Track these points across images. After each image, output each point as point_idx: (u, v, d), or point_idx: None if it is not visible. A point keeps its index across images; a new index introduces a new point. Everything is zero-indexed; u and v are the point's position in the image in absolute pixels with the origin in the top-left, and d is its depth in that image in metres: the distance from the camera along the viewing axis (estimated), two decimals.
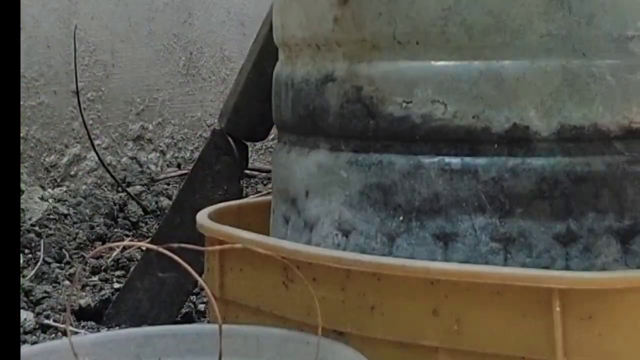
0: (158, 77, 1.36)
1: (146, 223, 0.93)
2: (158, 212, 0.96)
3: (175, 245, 0.40)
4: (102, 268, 0.76)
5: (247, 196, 1.03)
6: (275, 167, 0.59)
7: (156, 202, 0.99)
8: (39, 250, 0.78)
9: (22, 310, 0.66)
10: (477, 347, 0.45)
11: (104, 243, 0.85)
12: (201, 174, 0.76)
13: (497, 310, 0.45)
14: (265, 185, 1.12)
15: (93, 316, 0.68)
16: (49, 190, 1.07)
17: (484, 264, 0.48)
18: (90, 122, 1.19)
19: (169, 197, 0.98)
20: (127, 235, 0.88)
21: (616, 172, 0.48)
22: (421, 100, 0.50)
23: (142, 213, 0.95)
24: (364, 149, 0.51)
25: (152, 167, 1.21)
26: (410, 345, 0.47)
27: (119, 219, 0.93)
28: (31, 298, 0.69)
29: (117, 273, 0.80)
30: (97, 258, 0.76)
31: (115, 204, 0.96)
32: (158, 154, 1.24)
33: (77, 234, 0.84)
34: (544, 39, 0.48)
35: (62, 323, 0.64)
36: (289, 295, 0.51)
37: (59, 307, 0.66)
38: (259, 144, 1.30)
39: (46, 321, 0.65)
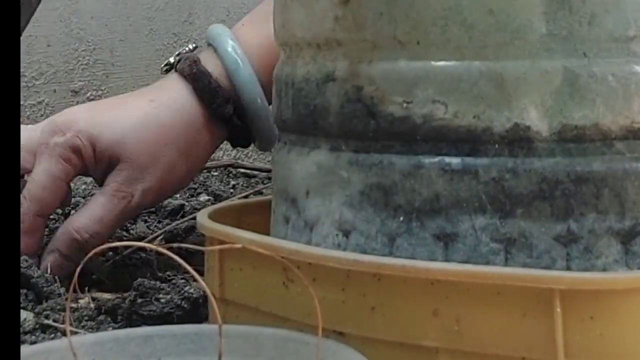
0: (158, 76, 1.36)
1: (146, 221, 0.93)
2: (158, 211, 0.96)
3: (175, 245, 0.40)
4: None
5: (247, 196, 1.03)
6: (275, 166, 0.59)
7: None
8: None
9: (21, 310, 0.66)
10: (477, 347, 0.45)
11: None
12: None
13: (497, 311, 0.44)
14: (265, 185, 1.12)
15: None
16: None
17: (485, 264, 0.48)
18: None
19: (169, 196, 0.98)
20: (127, 235, 0.88)
21: (617, 172, 0.48)
22: (422, 100, 0.50)
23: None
24: (364, 149, 0.51)
25: None
26: (411, 345, 0.47)
27: None
28: (31, 298, 0.69)
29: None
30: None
31: None
32: None
33: None
34: (544, 39, 0.48)
35: (62, 323, 0.64)
36: (289, 295, 0.51)
37: (58, 307, 0.66)
38: None
39: (46, 321, 0.64)
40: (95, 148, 0.74)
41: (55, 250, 0.72)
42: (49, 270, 0.71)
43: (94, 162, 0.74)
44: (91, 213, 0.73)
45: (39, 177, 0.72)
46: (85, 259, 0.42)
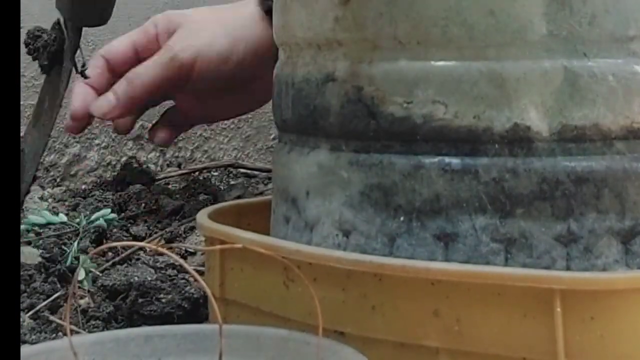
0: None
1: (145, 221, 0.93)
2: (158, 211, 0.96)
3: (175, 245, 0.40)
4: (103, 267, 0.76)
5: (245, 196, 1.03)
6: (275, 166, 0.59)
7: (156, 201, 0.99)
8: (40, 249, 0.78)
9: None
10: (477, 347, 0.45)
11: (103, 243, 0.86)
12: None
13: (497, 311, 0.45)
14: (265, 185, 1.11)
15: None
16: (49, 190, 1.07)
17: (485, 264, 0.48)
18: None
19: (170, 196, 0.98)
20: (127, 236, 0.88)
21: (617, 172, 0.48)
22: (422, 100, 0.50)
23: (142, 212, 0.95)
24: (364, 149, 0.51)
25: (152, 166, 1.20)
26: (411, 345, 0.47)
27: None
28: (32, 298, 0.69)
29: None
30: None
31: (115, 204, 0.96)
32: (158, 154, 1.23)
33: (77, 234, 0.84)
34: (545, 39, 0.48)
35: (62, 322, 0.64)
36: (289, 295, 0.51)
37: (59, 306, 0.66)
38: (259, 144, 1.29)
39: (51, 318, 0.65)
40: (169, 20, 0.92)
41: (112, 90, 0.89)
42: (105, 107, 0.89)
43: (165, 34, 0.91)
44: (144, 62, 0.89)
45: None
46: (85, 259, 0.42)
